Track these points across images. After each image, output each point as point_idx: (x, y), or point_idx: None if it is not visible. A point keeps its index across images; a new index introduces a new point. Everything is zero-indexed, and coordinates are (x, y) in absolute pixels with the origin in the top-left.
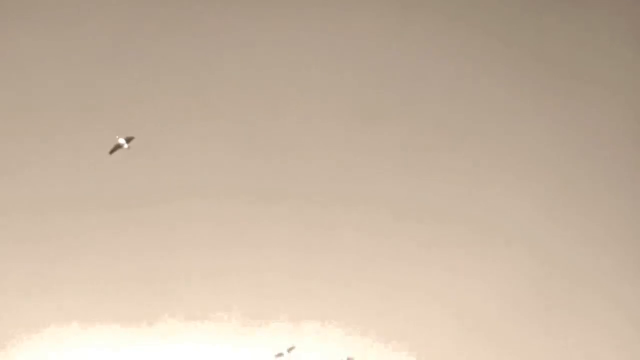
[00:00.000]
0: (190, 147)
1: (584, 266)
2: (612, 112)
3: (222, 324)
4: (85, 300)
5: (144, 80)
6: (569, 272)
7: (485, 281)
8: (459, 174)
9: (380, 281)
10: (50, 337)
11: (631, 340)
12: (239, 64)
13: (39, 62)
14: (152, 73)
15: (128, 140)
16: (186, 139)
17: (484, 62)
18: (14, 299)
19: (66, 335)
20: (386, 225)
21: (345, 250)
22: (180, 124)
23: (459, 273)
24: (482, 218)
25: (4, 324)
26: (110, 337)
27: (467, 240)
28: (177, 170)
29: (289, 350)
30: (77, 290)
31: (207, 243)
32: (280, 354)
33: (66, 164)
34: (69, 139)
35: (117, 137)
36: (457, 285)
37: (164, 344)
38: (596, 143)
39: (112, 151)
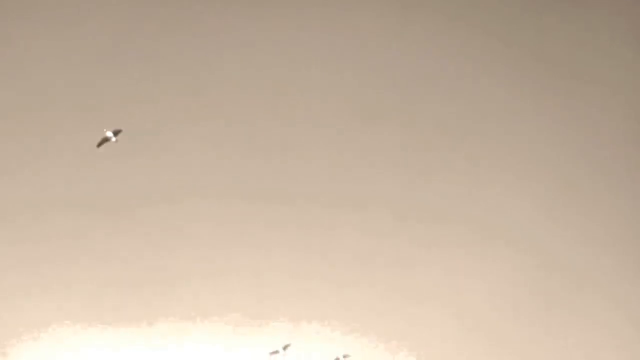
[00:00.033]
0: (190, 147)
1: (584, 266)
2: (612, 112)
3: (222, 323)
4: (85, 300)
5: (144, 80)
6: (569, 272)
7: (485, 281)
8: (459, 174)
9: (380, 281)
10: (50, 337)
11: (631, 340)
12: (239, 64)
13: (39, 62)
14: (152, 73)
15: (116, 133)
16: (186, 139)
17: (484, 62)
18: (14, 299)
19: (66, 335)
20: (386, 225)
21: (345, 250)
22: (180, 124)
23: (459, 273)
24: (482, 218)
25: (5, 324)
26: (110, 337)
27: (467, 240)
28: (177, 171)
29: (285, 347)
30: (77, 290)
31: (207, 243)
32: (275, 352)
33: (66, 164)
34: (69, 139)
35: (104, 130)
36: (457, 285)
37: (164, 344)
38: (596, 143)
39: (99, 144)
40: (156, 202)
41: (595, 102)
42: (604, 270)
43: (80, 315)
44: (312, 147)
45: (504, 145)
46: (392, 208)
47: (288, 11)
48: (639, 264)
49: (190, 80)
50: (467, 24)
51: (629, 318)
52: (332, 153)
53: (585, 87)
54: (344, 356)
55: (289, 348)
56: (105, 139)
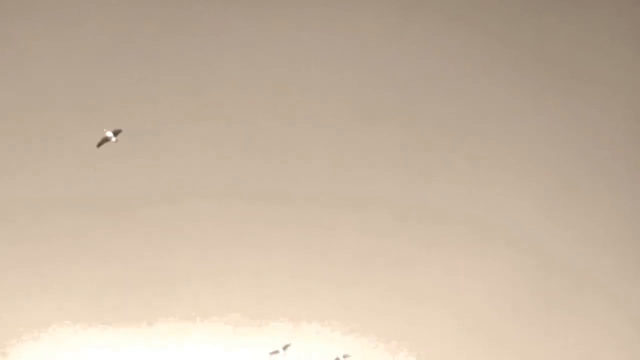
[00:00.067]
0: (190, 147)
1: (584, 266)
2: (612, 112)
3: (222, 323)
4: (85, 300)
5: (144, 80)
6: (569, 272)
7: (485, 281)
8: (459, 174)
9: (380, 281)
10: (50, 337)
11: (631, 340)
12: (239, 64)
13: (39, 62)
14: (152, 73)
15: (116, 133)
16: (186, 139)
17: (484, 62)
18: (14, 299)
19: (66, 335)
20: (386, 225)
21: (345, 250)
22: (180, 124)
23: (459, 273)
24: (482, 218)
25: (5, 324)
26: (110, 337)
27: (467, 240)
28: (177, 171)
29: (285, 347)
30: (77, 290)
31: (207, 243)
32: (275, 352)
33: (66, 164)
34: (69, 139)
35: (104, 130)
36: (457, 285)
37: (164, 344)
38: (596, 143)
39: (99, 144)
40: (156, 202)
41: (595, 102)
42: (604, 270)
43: (80, 315)
44: (312, 147)
45: (504, 145)
46: (392, 208)
47: (288, 11)
48: (639, 264)
49: (190, 80)
50: (467, 24)
51: (629, 318)
52: (332, 153)
53: (585, 87)
54: (344, 356)
55: (289, 348)
56: (105, 139)
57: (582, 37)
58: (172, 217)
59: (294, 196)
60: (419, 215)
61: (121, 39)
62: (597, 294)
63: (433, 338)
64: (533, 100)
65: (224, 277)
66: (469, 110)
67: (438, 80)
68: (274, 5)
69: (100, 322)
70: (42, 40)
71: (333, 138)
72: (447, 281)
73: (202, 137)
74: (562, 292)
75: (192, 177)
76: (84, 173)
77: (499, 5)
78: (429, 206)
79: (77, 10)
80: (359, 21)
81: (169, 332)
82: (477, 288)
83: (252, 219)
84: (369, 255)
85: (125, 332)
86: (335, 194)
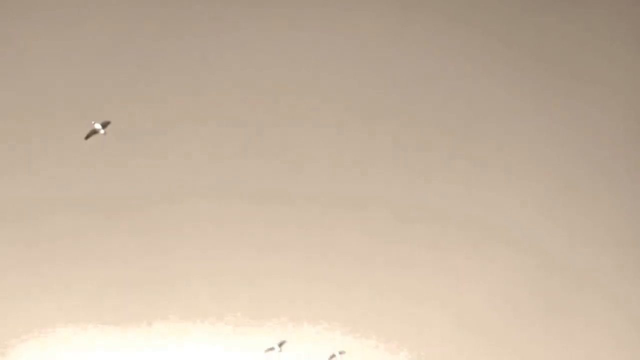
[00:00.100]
0: (190, 147)
1: (584, 266)
2: (612, 112)
3: (222, 323)
4: (85, 300)
5: (144, 80)
6: (569, 272)
7: (486, 281)
8: (459, 174)
9: (380, 281)
10: (50, 337)
11: (631, 340)
12: (239, 64)
13: (39, 62)
14: (152, 73)
15: (104, 125)
16: (186, 139)
17: (484, 62)
18: (14, 299)
19: (66, 336)
20: (386, 225)
21: (345, 250)
22: (180, 124)
23: (459, 273)
24: (482, 218)
25: (4, 324)
26: (111, 337)
27: (467, 240)
28: (177, 171)
29: (280, 344)
30: (77, 290)
31: (207, 243)
32: (271, 349)
33: (66, 164)
34: (69, 139)
35: (92, 122)
36: (457, 285)
37: (163, 344)
38: (596, 143)
39: (87, 136)
40: (156, 202)
41: (595, 102)
42: (604, 270)
43: (80, 315)
44: (312, 147)
45: (504, 145)
46: (392, 208)
47: (288, 11)
48: (639, 264)
49: (190, 80)
50: (467, 24)
51: (629, 318)
52: (332, 153)
53: (585, 87)
54: (340, 352)
55: (284, 345)
56: (94, 131)
57: (582, 37)
58: (172, 217)
59: (294, 196)
60: (419, 215)
61: (121, 39)
62: (597, 294)
63: (433, 338)
64: (533, 100)
65: (223, 277)
66: (469, 110)
67: (438, 80)
68: (274, 5)
69: (100, 322)
70: (42, 40)
71: (333, 138)
72: (447, 281)
73: (202, 137)
74: (562, 292)
75: (192, 177)
76: (84, 173)
77: (499, 5)
78: (429, 206)
79: (77, 10)
80: (359, 21)
81: (168, 332)
82: (477, 288)
83: (252, 219)
84: (369, 255)
85: (125, 332)
86: (335, 194)
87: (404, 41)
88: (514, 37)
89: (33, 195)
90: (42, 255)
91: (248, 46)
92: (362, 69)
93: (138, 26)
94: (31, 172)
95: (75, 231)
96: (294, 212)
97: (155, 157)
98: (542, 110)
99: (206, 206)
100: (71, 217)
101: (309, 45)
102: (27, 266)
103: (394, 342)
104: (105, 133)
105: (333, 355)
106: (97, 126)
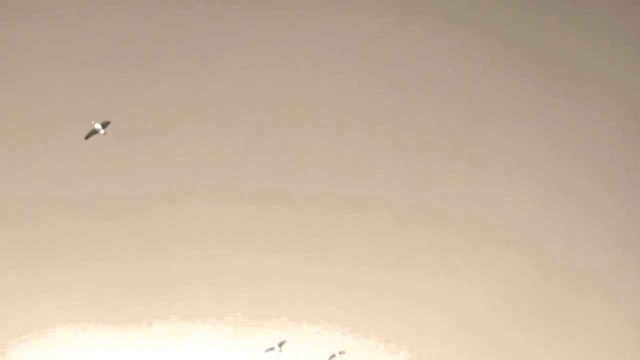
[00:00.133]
0: (190, 147)
1: (584, 266)
2: (612, 112)
3: (222, 323)
4: (85, 300)
5: (144, 80)
6: (569, 272)
7: (486, 281)
8: (459, 174)
9: (380, 281)
10: (50, 337)
11: (631, 340)
12: (239, 64)
13: (39, 62)
14: (152, 73)
15: (104, 125)
16: (186, 139)
17: (484, 62)
18: (14, 299)
19: (66, 336)
20: (386, 225)
21: (345, 250)
22: (180, 124)
23: (459, 273)
24: (482, 218)
25: (4, 324)
26: (111, 337)
27: (467, 240)
28: (177, 171)
29: (280, 344)
30: (77, 290)
31: (207, 243)
32: (271, 349)
33: (66, 164)
34: (69, 139)
35: (92, 122)
36: (457, 286)
37: (163, 344)
38: (596, 143)
39: (87, 136)
40: (156, 202)
41: (595, 102)
42: (604, 270)
43: (80, 315)
44: (312, 147)
45: (504, 146)
46: (392, 208)
47: (288, 11)
48: (639, 264)
49: (190, 80)
50: (467, 24)
51: (629, 318)
52: (332, 153)
53: (585, 87)
54: (340, 352)
55: (284, 345)
56: (94, 131)
57: (582, 37)
58: (172, 217)
59: (294, 196)
60: (419, 215)
61: (121, 39)
62: (597, 294)
63: (433, 338)
64: (533, 100)
65: (223, 277)
66: (469, 110)
67: (438, 80)
68: (274, 5)
69: (100, 322)
70: (42, 40)
71: (333, 138)
72: (447, 281)
73: (202, 137)
74: (562, 292)
75: (192, 177)
76: (84, 173)
77: (499, 5)
78: (429, 206)
79: (77, 10)
80: (359, 21)
81: (168, 332)
82: (477, 288)
83: (252, 219)
84: (369, 255)
85: (125, 332)
86: (335, 194)
87: (404, 41)
88: (514, 37)
89: (33, 195)
90: (42, 255)
91: (248, 46)
92: (362, 69)
93: (138, 26)
94: (31, 172)
95: (75, 231)
96: (294, 212)
97: (155, 157)
98: (542, 110)
99: (206, 206)
100: (71, 217)
101: (309, 45)
102: (27, 266)
103: (394, 342)
104: (105, 133)
105: (333, 355)
106: (97, 126)
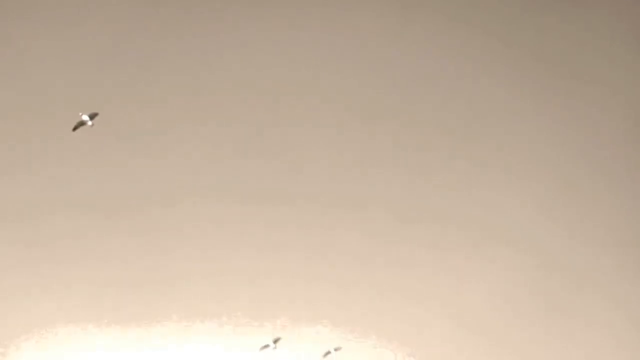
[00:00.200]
0: (190, 147)
1: (584, 266)
2: (612, 112)
3: (222, 324)
4: (85, 300)
5: (144, 80)
6: (569, 272)
7: (486, 282)
8: (459, 174)
9: (380, 281)
10: (50, 337)
11: (631, 340)
12: (239, 64)
13: (39, 62)
14: (152, 73)
15: (92, 117)
16: (186, 139)
17: (484, 62)
18: (14, 299)
19: (66, 336)
20: (386, 225)
21: (345, 250)
22: (180, 124)
23: (459, 273)
24: (482, 218)
25: (5, 324)
26: (111, 337)
27: (467, 240)
28: (177, 171)
29: (275, 341)
30: (77, 290)
31: (207, 243)
32: (265, 346)
33: (66, 164)
34: (69, 139)
35: (80, 114)
36: (457, 285)
37: (164, 344)
38: (596, 143)
39: (75, 128)
40: (156, 202)
41: (595, 102)
42: (604, 270)
43: (80, 315)
44: (312, 147)
45: (504, 146)
46: (392, 208)
47: (288, 11)
48: (639, 264)
49: (190, 80)
50: (467, 24)
51: (629, 318)
52: (332, 153)
53: (585, 87)
54: (335, 349)
55: (279, 342)
56: (82, 123)
57: (582, 37)
58: (172, 217)
59: (294, 196)
60: (419, 215)
61: (121, 39)
62: (597, 294)
63: (433, 338)
64: (533, 100)
65: (224, 277)
66: (469, 110)
67: (438, 80)
68: (274, 5)
69: (100, 322)
70: (42, 40)
71: (333, 138)
72: (447, 281)
73: (202, 137)
74: (562, 292)
75: (192, 177)
76: (84, 173)
77: (499, 5)
78: (429, 206)
79: (77, 10)
80: (359, 21)
81: (169, 332)
82: (477, 288)
83: (252, 219)
84: (369, 255)
85: (125, 332)
86: (335, 194)
87: (404, 41)
88: (514, 37)
89: (33, 195)
90: (42, 255)
91: (248, 46)
92: (362, 69)
93: (138, 26)
94: (31, 172)
95: (75, 231)
96: (294, 212)
97: (155, 157)
98: (542, 110)
99: (206, 206)
100: (71, 217)
101: (309, 45)
102: (27, 266)
103: (394, 342)
104: (92, 125)
105: (328, 352)
106: (85, 117)
